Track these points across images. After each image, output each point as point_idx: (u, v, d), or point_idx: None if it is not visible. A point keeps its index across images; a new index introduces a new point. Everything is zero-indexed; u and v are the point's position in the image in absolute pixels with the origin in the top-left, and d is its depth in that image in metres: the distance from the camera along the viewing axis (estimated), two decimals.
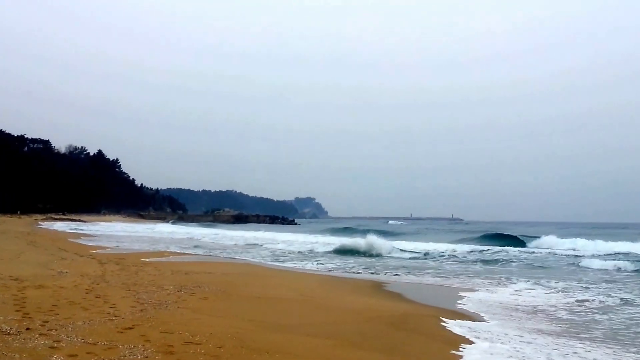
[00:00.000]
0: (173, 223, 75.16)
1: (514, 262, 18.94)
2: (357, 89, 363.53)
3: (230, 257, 19.74)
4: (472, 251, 21.86)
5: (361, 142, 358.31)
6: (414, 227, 70.01)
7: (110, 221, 75.54)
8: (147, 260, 15.99)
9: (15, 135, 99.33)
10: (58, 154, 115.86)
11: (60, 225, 52.63)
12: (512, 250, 22.32)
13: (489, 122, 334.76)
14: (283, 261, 18.86)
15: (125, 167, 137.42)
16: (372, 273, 15.28)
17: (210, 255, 20.23)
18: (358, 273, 15.29)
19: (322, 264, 17.82)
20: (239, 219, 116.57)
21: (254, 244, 27.89)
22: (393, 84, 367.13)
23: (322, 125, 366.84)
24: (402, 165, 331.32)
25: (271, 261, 18.70)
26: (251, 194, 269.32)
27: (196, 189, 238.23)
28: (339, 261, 19.03)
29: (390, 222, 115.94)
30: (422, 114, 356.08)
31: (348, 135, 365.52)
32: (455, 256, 20.61)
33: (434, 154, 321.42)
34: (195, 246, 26.29)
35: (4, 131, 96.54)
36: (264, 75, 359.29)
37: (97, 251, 19.31)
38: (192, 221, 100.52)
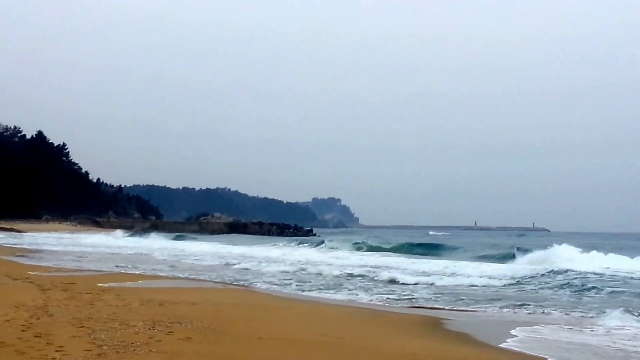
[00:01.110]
0: (133, 235, 75.81)
1: (592, 286, 18.91)
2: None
3: (221, 282, 19.88)
4: (517, 277, 21.99)
5: (403, 124, 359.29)
6: (457, 239, 69.67)
7: (55, 230, 76.61)
8: (106, 285, 16.17)
9: None
10: None
11: None
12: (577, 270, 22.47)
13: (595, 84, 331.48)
14: (294, 287, 18.91)
15: (76, 156, 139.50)
16: (409, 305, 15.23)
17: (193, 279, 20.39)
18: (403, 306, 15.25)
19: (350, 292, 17.85)
20: (235, 228, 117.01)
21: (252, 264, 28.04)
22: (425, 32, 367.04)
23: (342, 97, 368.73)
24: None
25: (278, 287, 18.77)
26: (251, 194, 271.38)
27: (174, 187, 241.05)
28: (372, 288, 19.01)
29: (430, 232, 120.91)
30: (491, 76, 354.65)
31: (381, 113, 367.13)
32: (489, 280, 20.94)
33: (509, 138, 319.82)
34: (173, 266, 26.53)
35: None
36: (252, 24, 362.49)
37: (37, 273, 19.56)
38: (169, 230, 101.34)
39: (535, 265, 25.44)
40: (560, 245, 31.02)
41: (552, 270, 22.53)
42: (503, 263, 28.76)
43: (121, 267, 25.21)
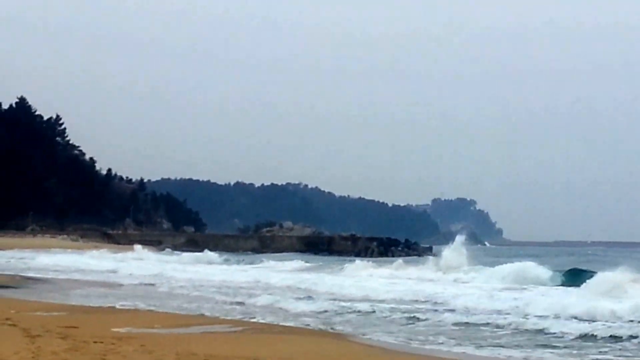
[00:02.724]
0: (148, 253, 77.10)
1: None
2: None
3: (298, 326, 20.00)
4: None
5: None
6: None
7: (47, 247, 78.50)
8: (123, 330, 16.55)
9: None
10: None
11: None
12: None
13: None
14: (418, 338, 18.86)
15: (76, 136, 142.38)
16: None
17: (253, 323, 20.66)
18: None
19: (494, 346, 17.77)
20: (314, 245, 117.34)
21: (348, 300, 28.10)
22: None
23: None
24: None
25: (394, 338, 18.70)
26: (339, 192, 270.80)
27: (223, 182, 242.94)
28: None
29: (590, 252, 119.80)
30: None
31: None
32: None
33: None
34: (223, 304, 26.81)
35: None
36: None
37: (22, 312, 20.13)
38: (215, 247, 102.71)
39: None
40: None
41: None
42: None
43: (192, 302, 25.72)
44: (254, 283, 37.79)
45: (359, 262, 51.95)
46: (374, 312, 24.35)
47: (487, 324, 21.87)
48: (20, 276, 39.17)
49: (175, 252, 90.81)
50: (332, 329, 20.06)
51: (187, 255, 75.14)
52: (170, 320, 19.73)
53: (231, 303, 27.05)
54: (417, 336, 18.82)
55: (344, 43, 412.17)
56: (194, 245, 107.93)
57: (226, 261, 67.40)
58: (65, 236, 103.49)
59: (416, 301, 27.79)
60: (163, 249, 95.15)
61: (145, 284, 36.73)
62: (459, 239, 51.02)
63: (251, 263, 62.46)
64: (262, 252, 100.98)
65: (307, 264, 58.08)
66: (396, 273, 44.63)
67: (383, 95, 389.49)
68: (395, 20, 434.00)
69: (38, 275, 40.61)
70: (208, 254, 77.22)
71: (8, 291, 28.93)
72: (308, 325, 20.81)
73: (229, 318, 21.94)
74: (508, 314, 23.86)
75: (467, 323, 22.11)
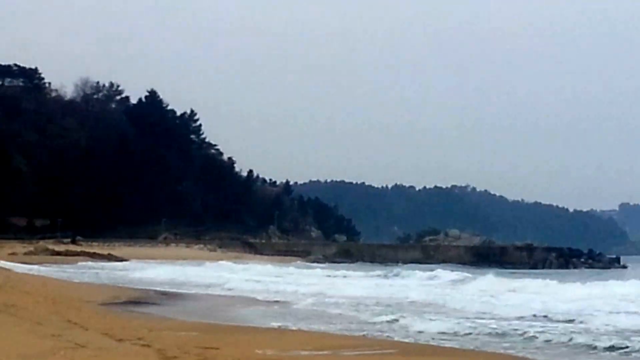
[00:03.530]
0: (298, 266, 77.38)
1: None
2: None
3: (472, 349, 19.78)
4: None
5: None
6: None
7: (182, 258, 79.88)
8: (269, 352, 16.61)
9: None
10: (58, 101, 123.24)
11: (67, 269, 56.89)
12: None
13: None
14: None
15: (212, 133, 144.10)
16: None
17: (410, 342, 20.51)
18: None
19: None
20: (484, 257, 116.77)
21: (508, 320, 27.64)
22: None
23: None
24: None
25: None
26: (511, 197, 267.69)
27: (379, 184, 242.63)
28: None
29: None
30: None
31: None
32: None
33: None
34: (380, 322, 26.76)
35: None
36: None
37: (156, 330, 20.50)
38: (371, 259, 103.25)
39: None
40: None
41: None
42: None
43: (290, 323, 25.79)
44: (397, 299, 37.76)
45: (490, 276, 51.84)
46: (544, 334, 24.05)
47: None
48: (154, 291, 40.00)
49: (308, 263, 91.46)
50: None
51: (322, 268, 75.71)
52: (317, 342, 19.65)
53: (380, 323, 27.05)
54: None
55: None
56: (347, 256, 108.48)
57: (379, 275, 67.57)
58: (201, 246, 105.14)
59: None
60: (312, 261, 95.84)
61: (284, 302, 37.11)
62: None
63: (408, 276, 62.46)
64: (425, 264, 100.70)
65: (468, 275, 58.09)
66: (556, 287, 43.47)
67: (552, 91, 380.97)
68: None
69: (173, 290, 41.52)
70: (346, 269, 77.59)
71: (141, 307, 29.61)
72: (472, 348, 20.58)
73: (382, 339, 21.81)
74: None
75: None
